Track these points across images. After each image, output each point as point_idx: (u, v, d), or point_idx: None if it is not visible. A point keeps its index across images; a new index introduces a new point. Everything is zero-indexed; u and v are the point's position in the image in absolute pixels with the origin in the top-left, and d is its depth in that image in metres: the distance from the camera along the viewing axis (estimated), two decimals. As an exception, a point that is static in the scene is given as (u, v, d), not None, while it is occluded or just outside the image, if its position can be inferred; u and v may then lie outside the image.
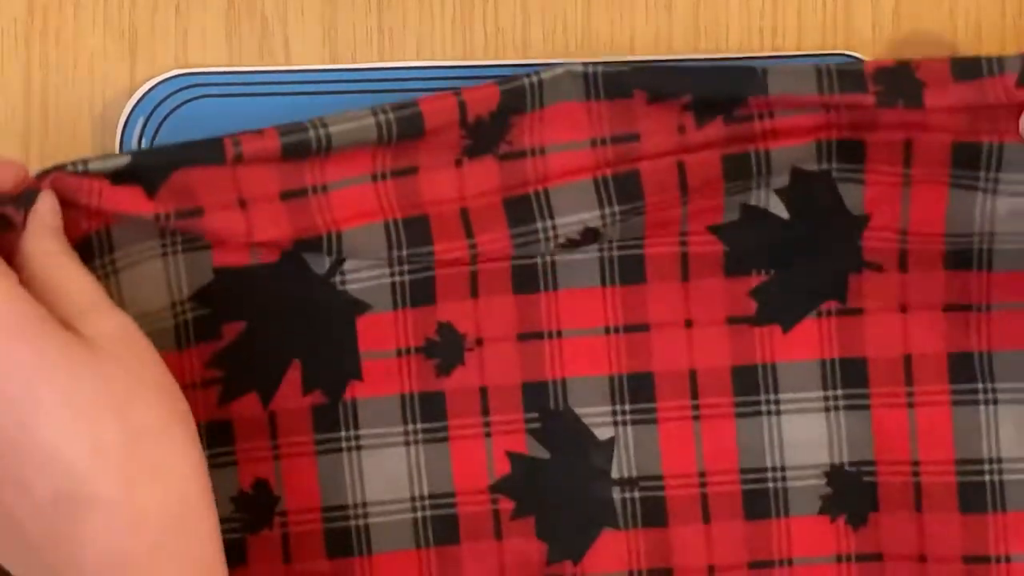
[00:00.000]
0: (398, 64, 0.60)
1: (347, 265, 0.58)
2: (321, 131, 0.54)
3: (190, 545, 0.48)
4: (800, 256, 0.59)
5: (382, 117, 0.54)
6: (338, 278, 0.58)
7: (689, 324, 0.59)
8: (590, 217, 0.57)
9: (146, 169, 0.53)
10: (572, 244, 0.58)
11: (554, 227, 0.57)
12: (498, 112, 0.56)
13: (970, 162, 0.57)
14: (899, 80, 0.54)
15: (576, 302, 0.59)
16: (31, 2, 0.59)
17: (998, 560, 0.58)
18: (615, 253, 0.59)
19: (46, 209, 0.51)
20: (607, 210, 0.57)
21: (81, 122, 0.59)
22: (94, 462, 0.46)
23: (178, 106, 0.59)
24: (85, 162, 0.52)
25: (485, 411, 0.58)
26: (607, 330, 0.59)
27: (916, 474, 0.59)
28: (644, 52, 0.61)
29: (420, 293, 0.58)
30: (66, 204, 0.52)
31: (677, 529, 0.59)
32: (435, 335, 0.58)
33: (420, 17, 0.60)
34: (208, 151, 0.53)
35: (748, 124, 0.56)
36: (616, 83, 0.56)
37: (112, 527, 0.46)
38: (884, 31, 0.63)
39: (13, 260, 0.50)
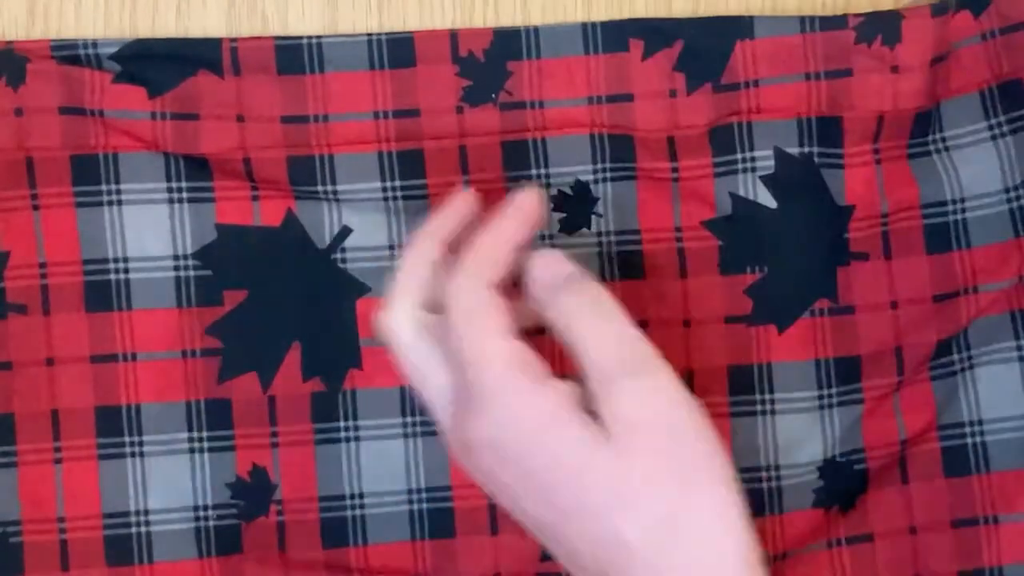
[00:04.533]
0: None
1: (348, 243, 0.58)
2: (314, 40, 0.57)
3: None
4: (791, 251, 0.59)
5: (374, 38, 0.57)
6: (339, 255, 0.58)
7: (687, 323, 0.59)
8: (582, 171, 0.59)
9: (153, 70, 0.57)
10: (563, 200, 0.59)
11: (547, 175, 0.58)
12: (492, 51, 0.58)
13: (921, 130, 0.59)
14: (880, 15, 0.59)
15: None
16: (32, 3, 0.59)
17: (985, 521, 0.59)
18: (613, 248, 0.59)
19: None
20: (599, 165, 0.58)
21: (81, 122, 0.59)
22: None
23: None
24: (95, 43, 0.57)
25: None
26: None
27: (903, 450, 0.59)
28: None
29: None
30: (71, 103, 0.56)
31: None
32: None
33: (420, 17, 0.60)
34: (207, 45, 0.57)
35: (735, 93, 0.59)
36: (613, 32, 0.58)
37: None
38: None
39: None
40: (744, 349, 0.59)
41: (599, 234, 0.59)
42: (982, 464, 0.59)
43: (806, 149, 0.59)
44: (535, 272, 0.49)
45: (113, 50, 0.57)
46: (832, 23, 0.59)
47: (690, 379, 0.59)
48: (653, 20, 0.59)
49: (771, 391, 0.59)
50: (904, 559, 0.59)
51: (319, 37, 0.58)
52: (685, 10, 0.61)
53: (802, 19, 0.59)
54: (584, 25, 0.58)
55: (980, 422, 0.59)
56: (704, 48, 0.59)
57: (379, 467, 0.58)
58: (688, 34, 0.59)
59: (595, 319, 0.47)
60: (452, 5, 0.60)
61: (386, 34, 0.58)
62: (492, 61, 0.58)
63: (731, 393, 0.59)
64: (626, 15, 0.61)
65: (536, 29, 0.58)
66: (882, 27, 0.58)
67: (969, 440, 0.59)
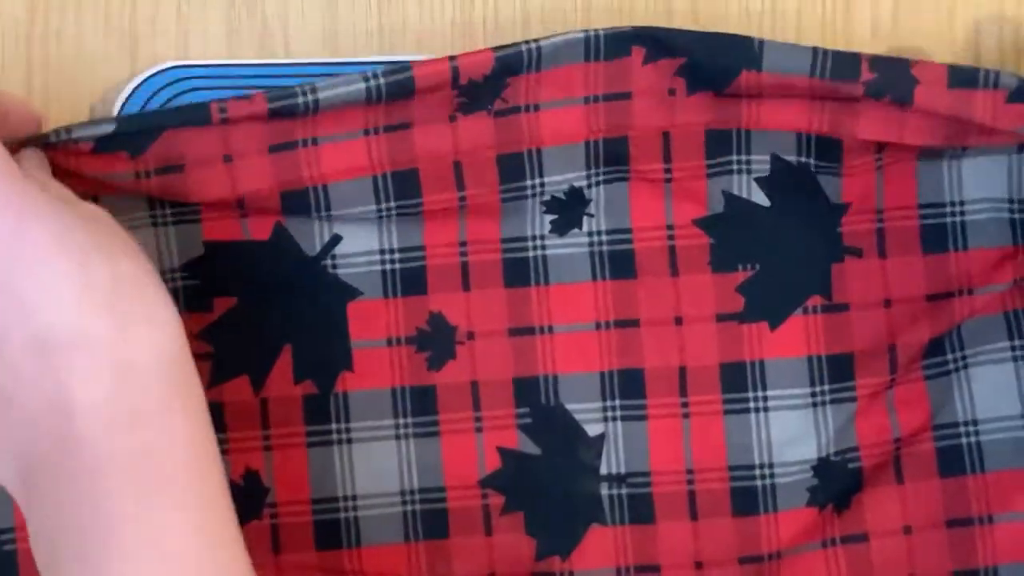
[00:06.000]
0: (392, 58, 0.60)
1: (338, 249, 0.58)
2: (310, 97, 0.54)
3: (186, 397, 0.45)
4: (783, 248, 0.59)
5: (372, 83, 0.54)
6: (329, 261, 0.58)
7: (679, 321, 0.59)
8: (576, 177, 0.58)
9: (130, 135, 0.53)
10: (556, 204, 0.59)
11: (542, 184, 0.58)
12: (492, 76, 0.56)
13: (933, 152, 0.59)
14: (894, 72, 0.55)
15: (567, 296, 0.59)
16: (32, 3, 0.59)
17: (980, 522, 0.59)
18: (605, 248, 0.59)
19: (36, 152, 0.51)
20: (592, 171, 0.58)
21: (82, 122, 0.59)
22: (84, 298, 0.44)
23: (170, 100, 0.59)
24: (68, 129, 0.52)
25: (476, 406, 0.59)
26: (597, 325, 0.59)
27: (897, 449, 0.59)
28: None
29: (411, 282, 0.58)
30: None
31: (664, 525, 0.59)
32: (426, 325, 0.58)
33: (420, 17, 0.60)
34: (194, 114, 0.53)
35: (736, 101, 0.57)
36: (616, 42, 0.56)
37: (103, 371, 0.44)
38: (883, 30, 0.63)
39: None
40: (736, 346, 0.59)
41: (590, 233, 0.59)
42: (977, 464, 0.59)
43: (803, 159, 0.59)
44: None
45: (88, 134, 0.53)
46: (843, 67, 0.55)
47: (683, 377, 0.59)
48: (659, 32, 0.56)
49: (764, 388, 0.59)
50: (899, 559, 0.59)
51: (315, 91, 0.54)
52: (685, 9, 0.61)
53: (814, 54, 0.55)
54: (587, 37, 0.56)
55: (975, 422, 0.59)
56: (708, 67, 0.56)
57: (372, 469, 0.58)
58: (693, 51, 0.56)
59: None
60: (452, 4, 0.61)
61: (385, 75, 0.54)
62: (491, 80, 0.57)
63: (724, 391, 0.59)
64: (625, 12, 0.61)
65: (539, 48, 0.55)
66: (893, 88, 0.55)
67: (964, 440, 0.59)
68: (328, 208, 0.57)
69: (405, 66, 0.54)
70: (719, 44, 0.56)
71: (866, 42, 0.62)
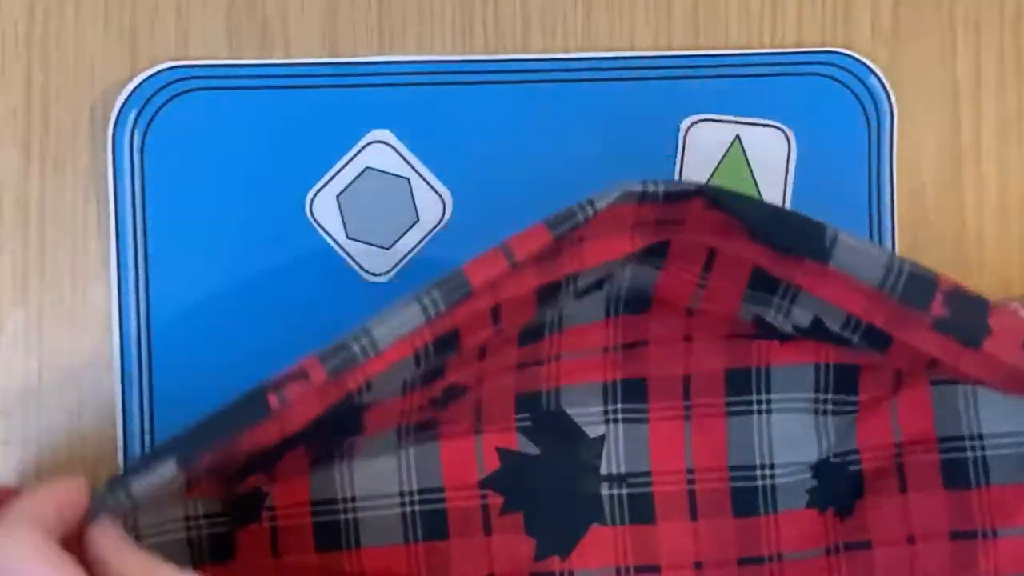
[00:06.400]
0: (392, 58, 0.60)
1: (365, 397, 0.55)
2: (370, 352, 0.49)
3: None
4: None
5: (432, 311, 0.49)
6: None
7: (688, 339, 0.59)
8: (604, 275, 0.56)
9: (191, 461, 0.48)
10: (585, 291, 0.57)
11: (575, 289, 0.56)
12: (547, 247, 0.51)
13: None
14: (968, 314, 0.50)
15: (579, 336, 0.58)
16: (32, 4, 0.59)
17: (984, 535, 0.58)
18: (623, 293, 0.58)
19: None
20: (625, 260, 0.55)
21: (81, 123, 0.59)
22: None
23: (170, 99, 0.59)
24: (126, 485, 0.47)
25: (477, 418, 0.58)
26: (605, 350, 0.59)
27: (899, 455, 0.59)
28: (644, 51, 0.62)
29: (431, 375, 0.56)
30: None
31: (664, 525, 0.59)
32: (440, 394, 0.57)
33: (420, 17, 0.60)
34: (252, 412, 0.48)
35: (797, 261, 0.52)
36: (676, 196, 0.50)
37: None
38: (883, 30, 0.63)
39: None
40: (743, 355, 0.59)
41: (608, 295, 0.58)
42: (982, 478, 0.58)
43: (847, 335, 0.55)
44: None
45: (149, 483, 0.47)
46: (916, 292, 0.50)
47: (687, 382, 0.59)
48: (723, 194, 0.49)
49: (768, 392, 0.59)
50: (902, 568, 0.59)
51: (374, 344, 0.49)
52: (684, 13, 0.61)
53: (888, 267, 0.50)
54: (644, 192, 0.49)
55: (980, 436, 0.58)
56: (774, 241, 0.51)
57: (371, 471, 0.58)
58: (759, 223, 0.50)
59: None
60: (452, 4, 0.61)
61: (441, 293, 0.49)
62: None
63: (727, 394, 0.59)
64: (625, 16, 0.61)
65: (595, 211, 0.49)
66: (963, 332, 0.50)
67: (969, 454, 0.58)
68: (369, 390, 0.54)
69: (461, 282, 0.49)
70: (788, 226, 0.50)
71: (866, 40, 0.62)
